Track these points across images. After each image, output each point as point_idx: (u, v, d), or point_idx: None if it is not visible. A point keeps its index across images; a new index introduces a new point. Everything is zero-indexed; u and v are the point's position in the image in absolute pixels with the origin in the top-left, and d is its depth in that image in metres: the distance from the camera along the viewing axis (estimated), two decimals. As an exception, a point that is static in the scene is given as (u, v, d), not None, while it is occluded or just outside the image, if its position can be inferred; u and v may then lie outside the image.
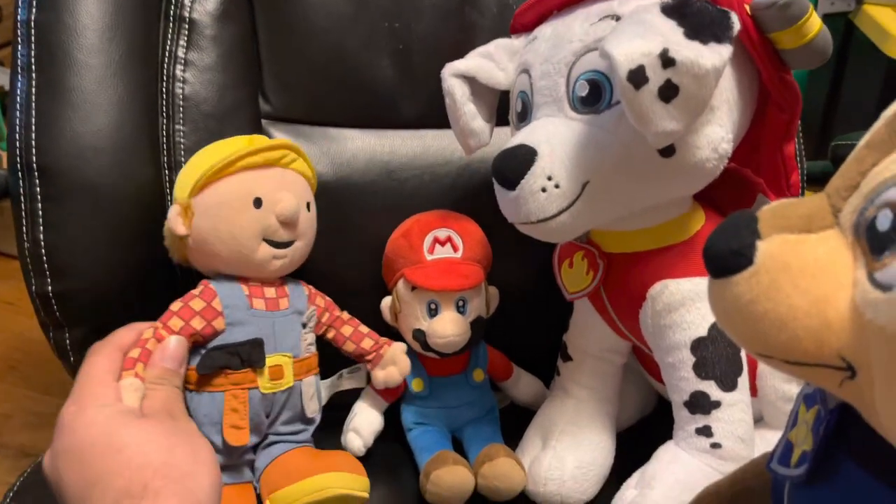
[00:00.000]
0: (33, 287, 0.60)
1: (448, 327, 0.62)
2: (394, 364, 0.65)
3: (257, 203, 0.57)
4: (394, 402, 0.69)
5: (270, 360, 0.57)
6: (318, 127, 0.72)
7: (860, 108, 1.01)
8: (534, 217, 0.51)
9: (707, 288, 0.34)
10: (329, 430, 0.65)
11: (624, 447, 0.65)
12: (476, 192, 0.72)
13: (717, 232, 0.33)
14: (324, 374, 0.65)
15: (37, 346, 1.54)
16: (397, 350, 0.65)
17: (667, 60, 0.43)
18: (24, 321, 1.61)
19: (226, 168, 0.56)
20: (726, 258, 0.32)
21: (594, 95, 0.50)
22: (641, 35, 0.44)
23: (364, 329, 0.66)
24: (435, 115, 0.71)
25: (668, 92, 0.44)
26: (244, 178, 0.57)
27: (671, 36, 0.44)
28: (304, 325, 0.61)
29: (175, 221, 0.57)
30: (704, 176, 0.51)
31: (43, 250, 0.59)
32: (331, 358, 0.66)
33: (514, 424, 0.69)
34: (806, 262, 0.30)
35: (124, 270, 0.62)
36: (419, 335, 0.64)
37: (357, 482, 0.58)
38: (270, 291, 0.60)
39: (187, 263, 0.60)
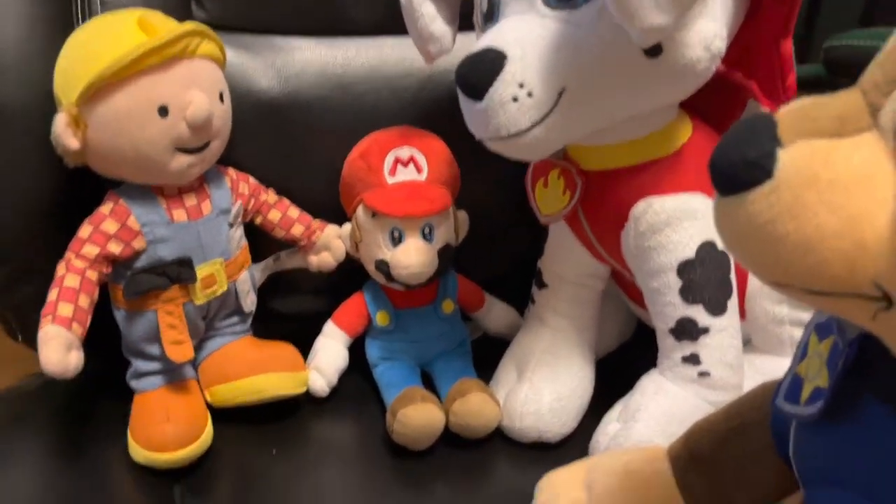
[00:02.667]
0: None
1: (413, 257, 0.57)
2: (327, 249, 0.63)
3: (163, 112, 0.49)
4: (359, 336, 0.64)
5: (201, 272, 0.54)
6: (262, 36, 0.64)
7: (846, 7, 0.95)
8: (504, 131, 0.45)
9: (713, 206, 0.29)
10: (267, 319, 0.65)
11: (603, 376, 0.62)
12: (441, 107, 0.66)
13: (727, 140, 0.28)
14: (258, 255, 0.63)
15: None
16: (330, 234, 0.63)
17: (657, -59, 0.37)
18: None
19: (120, 72, 0.47)
20: (739, 171, 0.27)
21: (571, -12, 0.44)
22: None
23: (294, 212, 0.63)
24: (394, 20, 0.64)
25: (658, -22, 0.38)
26: (144, 83, 0.48)
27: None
28: (231, 225, 0.57)
29: (65, 135, 0.48)
30: (694, 79, 0.45)
31: (-51, 182, 0.52)
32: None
33: (487, 357, 0.65)
34: (837, 173, 0.25)
35: (43, 196, 0.56)
36: (382, 266, 0.58)
37: (293, 381, 0.58)
38: (191, 198, 0.55)
39: (86, 165, 0.52)
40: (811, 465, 0.33)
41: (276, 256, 0.64)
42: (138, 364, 0.55)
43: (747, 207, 0.27)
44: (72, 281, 0.49)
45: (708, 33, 0.43)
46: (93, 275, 0.50)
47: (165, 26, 0.50)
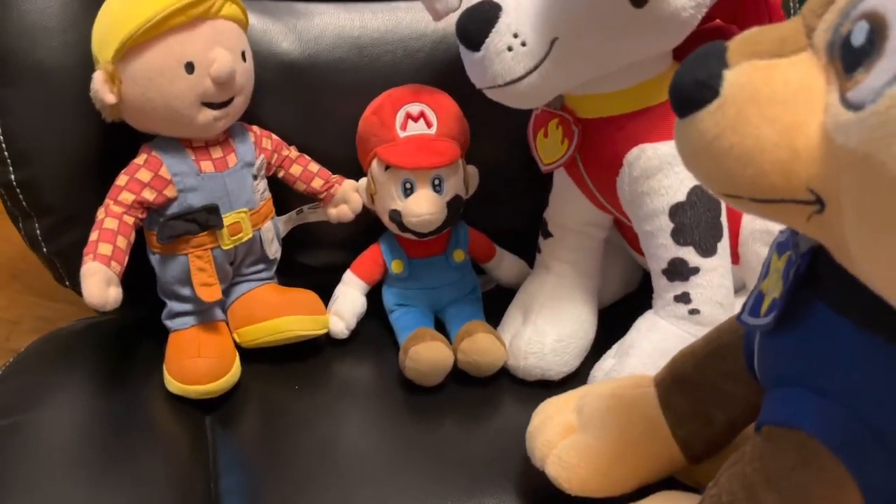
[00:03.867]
0: (-2, 178, 0.58)
1: (423, 205, 0.61)
2: (345, 202, 0.67)
3: (189, 68, 0.53)
4: (376, 284, 0.68)
5: (228, 220, 0.59)
6: (283, 2, 0.68)
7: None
8: (500, 79, 0.48)
9: (674, 129, 0.32)
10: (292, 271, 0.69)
11: (607, 322, 0.65)
12: (453, 68, 0.68)
13: (683, 65, 0.31)
14: (283, 208, 0.67)
15: (37, 254, 1.55)
16: (348, 187, 0.67)
17: None
18: (20, 228, 1.60)
19: (150, 31, 0.51)
20: (691, 91, 0.30)
21: (562, -56, 0.46)
22: None
23: (314, 167, 0.66)
24: (407, -16, 0.68)
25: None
26: (172, 41, 0.52)
27: None
28: (255, 177, 0.61)
29: (102, 90, 0.53)
30: (680, 28, 0.48)
31: (1, 137, 0.57)
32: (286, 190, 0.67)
33: (499, 306, 0.68)
34: (775, 88, 0.28)
35: (85, 150, 0.60)
36: (395, 215, 0.62)
37: (315, 323, 0.63)
38: (217, 151, 0.59)
39: (123, 122, 0.57)
40: (771, 371, 0.36)
41: (298, 210, 0.68)
42: (172, 305, 0.60)
43: (698, 126, 0.30)
44: (110, 223, 0.54)
45: (692, -17, 0.45)
46: (129, 219, 0.55)
47: None
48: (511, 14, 0.47)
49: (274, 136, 0.65)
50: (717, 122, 0.29)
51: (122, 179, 0.56)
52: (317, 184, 0.66)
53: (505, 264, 0.71)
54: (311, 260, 0.75)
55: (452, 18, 0.58)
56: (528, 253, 0.73)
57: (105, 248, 0.52)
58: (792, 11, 0.58)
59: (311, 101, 0.68)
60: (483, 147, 0.67)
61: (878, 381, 0.31)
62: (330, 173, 0.67)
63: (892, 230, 0.25)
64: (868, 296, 0.28)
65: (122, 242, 0.54)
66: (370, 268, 0.67)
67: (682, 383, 0.45)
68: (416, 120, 0.62)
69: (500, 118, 0.59)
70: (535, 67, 0.48)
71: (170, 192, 0.57)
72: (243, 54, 0.57)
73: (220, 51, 0.54)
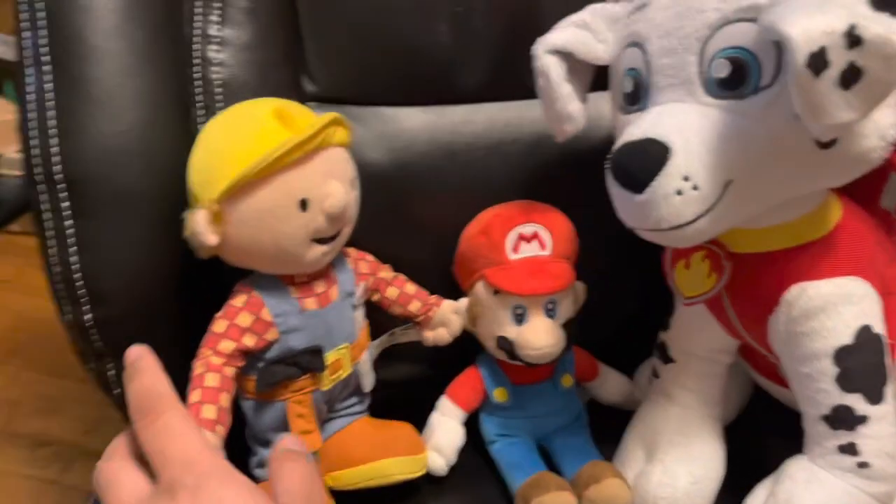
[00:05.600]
0: (68, 317, 0.52)
1: (542, 338, 0.56)
2: (443, 325, 0.62)
3: (303, 205, 0.48)
4: (473, 411, 0.63)
5: (329, 358, 0.54)
6: (370, 107, 0.63)
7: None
8: (665, 224, 0.43)
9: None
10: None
11: (728, 449, 0.59)
12: (550, 172, 0.65)
13: None
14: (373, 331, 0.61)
15: (38, 325, 1.47)
16: (447, 309, 0.62)
17: (853, 39, 0.35)
18: (22, 300, 1.53)
19: (265, 169, 0.46)
20: None
21: (737, 78, 0.42)
22: (820, 7, 0.36)
23: (411, 289, 0.61)
24: (498, 86, 0.64)
25: (850, 77, 0.36)
26: (286, 178, 0.47)
27: (856, 8, 0.36)
28: (355, 307, 0.56)
29: (204, 231, 0.47)
30: (866, 167, 0.44)
31: (77, 274, 0.51)
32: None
33: (598, 425, 0.63)
34: None
35: (170, 284, 0.55)
36: (505, 343, 0.57)
37: (415, 465, 0.58)
38: (320, 285, 0.54)
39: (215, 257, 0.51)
40: None
41: (390, 333, 0.63)
42: (264, 453, 0.54)
43: None
44: (212, 381, 0.48)
45: (884, 122, 0.41)
46: (229, 371, 0.49)
47: (303, 117, 0.49)
48: (681, 155, 0.42)
49: (369, 257, 0.59)
50: None
51: (219, 325, 0.50)
52: (414, 307, 0.61)
53: (609, 383, 0.66)
54: (390, 375, 0.69)
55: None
56: (622, 360, 0.68)
57: (209, 412, 0.46)
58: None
59: (400, 211, 0.63)
60: (583, 254, 0.63)
61: None
62: (427, 294, 0.62)
63: None
64: None
65: (225, 401, 0.48)
66: (469, 395, 0.62)
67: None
68: (529, 241, 0.57)
69: (602, 222, 0.54)
70: (707, 212, 0.43)
71: (271, 335, 0.51)
72: (352, 182, 0.52)
73: (334, 184, 0.49)
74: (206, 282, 0.56)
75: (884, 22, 0.36)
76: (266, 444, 0.54)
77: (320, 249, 0.50)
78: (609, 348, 0.68)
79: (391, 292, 0.60)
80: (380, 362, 0.67)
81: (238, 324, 0.50)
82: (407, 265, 0.63)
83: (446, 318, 0.61)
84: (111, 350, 0.54)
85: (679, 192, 0.42)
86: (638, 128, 0.44)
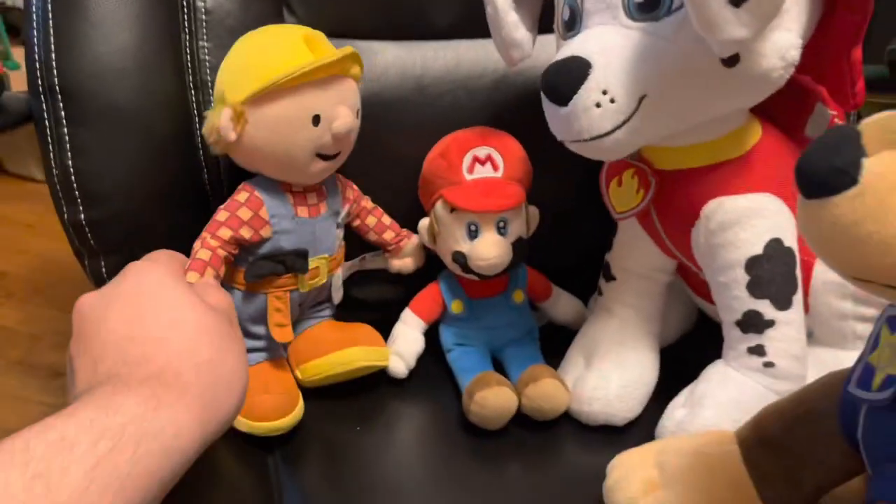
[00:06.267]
0: (66, 216, 0.58)
1: (490, 249, 0.61)
2: (410, 256, 0.69)
3: (315, 121, 0.55)
4: (434, 322, 0.68)
5: (311, 264, 0.60)
6: (346, 40, 0.67)
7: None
8: (587, 134, 0.48)
9: (799, 207, 0.32)
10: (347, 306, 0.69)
11: (666, 364, 0.64)
12: (513, 106, 0.69)
13: (814, 148, 0.31)
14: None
15: (59, 266, 1.55)
16: (415, 242, 0.69)
17: (740, -41, 0.40)
18: (44, 242, 1.61)
19: (290, 82, 0.53)
20: (826, 177, 0.30)
21: (652, 1, 0.47)
22: (712, -68, 0.40)
23: (386, 220, 0.68)
24: (468, 24, 0.68)
25: (740, -5, 0.41)
26: (305, 94, 0.54)
27: (744, -69, 0.40)
28: (338, 225, 0.63)
29: (227, 127, 0.54)
30: (769, 86, 0.48)
31: (73, 177, 0.57)
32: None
33: (553, 344, 0.68)
34: (918, 181, 0.28)
35: (156, 192, 0.61)
36: (459, 257, 0.62)
37: (378, 354, 0.63)
38: (312, 198, 0.60)
39: (225, 156, 0.59)
40: (880, 447, 0.36)
41: (361, 258, 0.69)
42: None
43: (832, 210, 0.30)
44: (203, 255, 0.55)
45: (784, 43, 0.46)
46: (222, 252, 0.56)
47: (327, 47, 0.57)
48: (600, 71, 0.47)
49: (354, 186, 0.66)
50: (856, 209, 0.29)
51: (221, 215, 0.57)
52: (388, 235, 0.68)
53: (561, 304, 0.71)
54: (365, 295, 0.75)
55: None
56: (582, 290, 0.73)
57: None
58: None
59: (373, 139, 0.68)
60: (541, 185, 0.67)
61: None
62: (399, 227, 0.69)
63: None
64: None
65: (209, 274, 0.54)
66: (430, 307, 0.67)
67: (769, 445, 0.45)
68: (483, 163, 0.62)
69: (559, 158, 0.59)
70: (623, 123, 0.48)
71: (265, 232, 0.58)
72: (357, 112, 0.59)
73: (343, 109, 0.56)
74: (192, 194, 0.62)
75: (769, -56, 0.40)
76: (245, 333, 0.60)
77: (322, 164, 0.57)
78: (569, 276, 0.73)
79: (370, 220, 0.67)
80: (353, 283, 0.73)
81: (238, 215, 0.57)
82: (379, 189, 0.68)
83: (414, 251, 0.69)
84: (103, 248, 0.60)
85: (598, 105, 0.47)
86: (567, 48, 0.49)
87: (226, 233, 0.56)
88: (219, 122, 0.54)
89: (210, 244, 0.55)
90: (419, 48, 0.69)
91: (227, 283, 0.60)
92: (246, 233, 0.57)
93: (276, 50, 0.55)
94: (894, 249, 0.28)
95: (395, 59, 0.69)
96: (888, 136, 0.29)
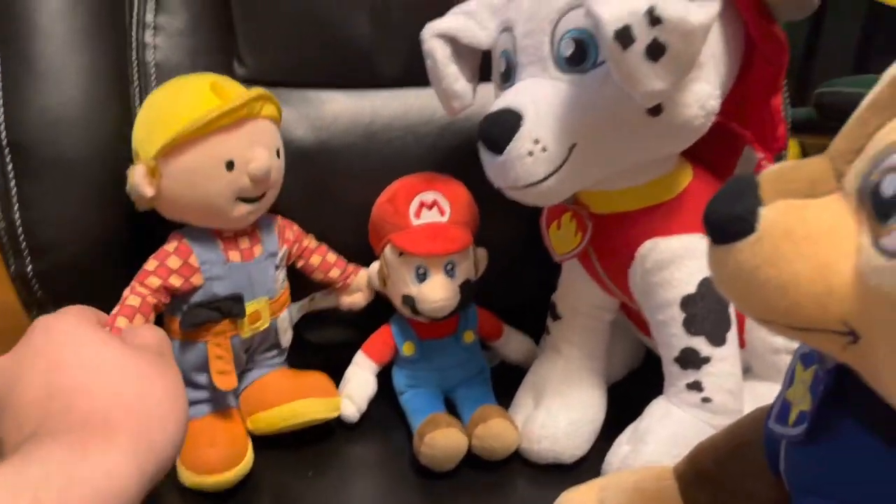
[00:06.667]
0: (12, 268, 0.58)
1: (437, 292, 0.62)
2: (360, 291, 0.70)
3: (229, 166, 0.55)
4: (386, 365, 0.69)
5: (249, 308, 0.60)
6: (296, 90, 0.70)
7: (839, 52, 1.00)
8: (521, 182, 0.50)
9: (707, 253, 0.34)
10: (301, 349, 0.70)
11: (614, 402, 0.66)
12: (460, 152, 0.71)
13: (717, 197, 0.33)
14: (294, 296, 0.68)
15: (10, 315, 1.52)
16: (363, 278, 0.69)
17: (653, 18, 0.42)
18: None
19: (196, 132, 0.54)
20: (728, 224, 0.32)
21: (579, 55, 0.49)
22: (627, -9, 0.43)
23: (332, 257, 0.68)
24: (415, 73, 0.69)
25: (656, 51, 0.43)
26: (215, 141, 0.55)
27: (658, -9, 0.43)
28: (277, 267, 0.63)
29: (142, 184, 0.54)
30: (692, 133, 0.50)
31: (20, 229, 0.58)
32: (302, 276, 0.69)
33: (505, 384, 0.69)
34: (809, 228, 0.30)
35: (103, 240, 0.62)
36: (409, 300, 0.63)
37: (328, 405, 0.63)
38: (244, 241, 0.61)
39: (153, 210, 0.59)
40: (799, 480, 0.38)
41: (311, 297, 0.70)
42: (187, 393, 0.60)
43: (735, 255, 0.31)
44: (133, 301, 0.55)
45: (703, 94, 0.48)
46: (152, 300, 0.56)
47: (235, 91, 0.57)
48: (532, 121, 0.49)
49: (295, 226, 0.66)
50: (755, 255, 0.31)
51: (151, 264, 0.57)
52: (334, 273, 0.68)
53: (512, 343, 0.72)
54: (319, 338, 0.76)
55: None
56: (534, 328, 0.74)
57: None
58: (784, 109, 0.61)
59: (323, 186, 0.70)
60: (490, 227, 0.69)
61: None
62: (346, 263, 0.69)
63: (925, 368, 0.26)
64: (897, 416, 0.30)
65: (139, 321, 0.55)
66: (381, 349, 0.68)
67: (703, 479, 0.46)
68: (429, 208, 0.63)
69: (506, 201, 0.61)
70: (555, 171, 0.50)
71: (196, 280, 0.58)
72: (278, 151, 0.60)
73: (258, 150, 0.56)
74: (139, 242, 0.63)
75: (681, 4, 0.42)
76: (189, 383, 0.60)
77: (246, 208, 0.58)
78: (521, 315, 0.75)
79: (314, 260, 0.67)
80: (307, 326, 0.73)
81: (168, 264, 0.57)
82: (329, 235, 0.70)
83: (362, 285, 0.69)
84: (51, 299, 0.60)
85: (531, 154, 0.49)
86: (502, 100, 0.51)
87: (154, 281, 0.56)
88: (134, 180, 0.55)
89: (139, 291, 0.56)
90: (368, 97, 0.71)
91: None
92: (175, 281, 0.57)
93: (182, 100, 0.56)
94: (791, 293, 0.30)
95: (345, 107, 0.70)
96: (782, 185, 0.31)
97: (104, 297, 0.57)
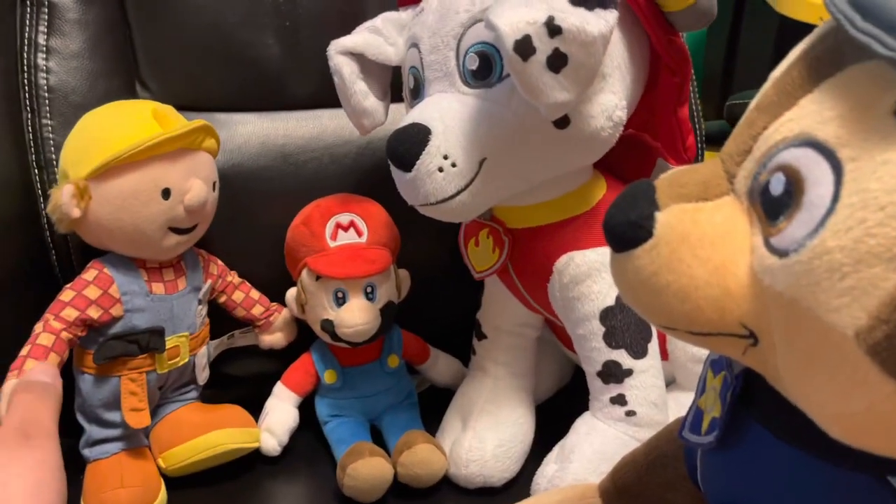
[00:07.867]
0: None
1: (357, 316, 0.60)
2: (281, 331, 0.67)
3: (166, 194, 0.54)
4: (308, 394, 0.67)
5: (169, 343, 0.58)
6: (205, 113, 0.67)
7: (755, 66, 1.03)
8: (432, 198, 0.49)
9: (609, 262, 0.33)
10: (216, 383, 0.67)
11: (543, 420, 0.65)
12: (379, 172, 0.69)
13: (615, 205, 0.32)
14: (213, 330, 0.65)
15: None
16: (286, 317, 0.67)
17: (553, 29, 0.42)
18: None
19: (135, 156, 0.52)
20: (626, 231, 0.31)
21: (485, 68, 0.48)
22: (526, 3, 0.42)
23: (255, 295, 0.67)
24: (329, 93, 0.68)
25: (557, 61, 0.43)
26: (153, 167, 0.53)
27: (555, 3, 0.42)
28: (200, 302, 0.61)
29: (69, 204, 0.52)
30: (601, 145, 0.50)
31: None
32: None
33: (435, 407, 0.68)
34: (704, 231, 0.29)
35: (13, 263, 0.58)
36: (327, 325, 0.61)
37: (246, 435, 0.61)
38: (169, 273, 0.59)
39: (73, 232, 0.56)
40: (715, 488, 0.37)
41: (230, 335, 0.67)
42: (92, 431, 0.57)
43: (634, 262, 0.31)
44: (45, 339, 0.52)
45: (609, 105, 0.48)
46: (66, 336, 0.53)
47: (177, 120, 0.56)
48: (440, 136, 0.48)
49: (219, 262, 0.64)
50: (653, 261, 0.30)
51: (66, 294, 0.54)
52: (257, 311, 0.66)
53: (439, 365, 0.71)
54: (235, 370, 0.72)
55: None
56: (462, 350, 0.73)
57: (30, 365, 0.50)
58: (696, 122, 0.62)
59: (237, 210, 0.67)
60: (412, 249, 0.68)
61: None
62: (269, 301, 0.67)
63: (819, 367, 0.26)
64: (802, 419, 0.29)
65: (53, 360, 0.51)
66: (302, 379, 0.66)
67: (625, 493, 0.45)
68: (346, 229, 0.62)
69: (427, 220, 0.59)
70: (466, 186, 0.49)
71: (116, 311, 0.55)
72: (214, 184, 0.58)
73: (196, 181, 0.55)
74: (38, 276, 0.59)
75: (580, 14, 0.42)
76: (97, 421, 0.57)
77: (176, 238, 0.56)
78: (448, 337, 0.73)
79: (237, 296, 0.65)
80: (223, 358, 0.70)
81: (86, 295, 0.54)
82: (246, 260, 0.67)
83: (285, 325, 0.67)
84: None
85: (440, 169, 0.48)
86: (409, 116, 0.50)
87: (71, 313, 0.53)
88: (61, 200, 0.52)
89: (53, 327, 0.53)
90: (281, 118, 0.69)
91: (76, 367, 0.57)
92: (94, 312, 0.54)
93: (122, 124, 0.54)
94: (690, 297, 0.29)
95: (257, 129, 0.68)
96: (676, 189, 0.31)
97: (4, 329, 0.53)
